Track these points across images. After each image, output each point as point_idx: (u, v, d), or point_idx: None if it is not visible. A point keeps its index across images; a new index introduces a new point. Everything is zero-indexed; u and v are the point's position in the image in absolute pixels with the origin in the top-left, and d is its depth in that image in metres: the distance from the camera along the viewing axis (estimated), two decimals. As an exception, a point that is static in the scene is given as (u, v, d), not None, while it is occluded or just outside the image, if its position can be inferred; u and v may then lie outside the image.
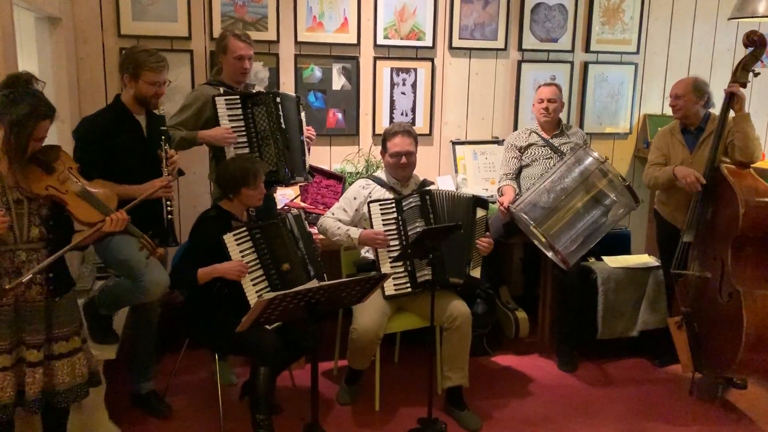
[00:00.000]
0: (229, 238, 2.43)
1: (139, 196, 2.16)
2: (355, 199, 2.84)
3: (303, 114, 2.98)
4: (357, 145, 3.71)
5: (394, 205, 2.75)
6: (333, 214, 2.84)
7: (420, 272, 2.71)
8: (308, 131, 3.00)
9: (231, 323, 2.19)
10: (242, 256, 2.44)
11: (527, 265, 3.87)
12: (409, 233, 2.71)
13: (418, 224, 2.73)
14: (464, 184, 3.73)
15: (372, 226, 2.73)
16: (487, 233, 2.83)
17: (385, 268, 2.67)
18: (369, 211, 2.73)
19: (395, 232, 2.73)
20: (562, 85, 3.61)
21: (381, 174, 2.95)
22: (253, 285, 2.44)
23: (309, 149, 3.01)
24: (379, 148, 2.97)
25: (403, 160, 2.80)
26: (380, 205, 2.74)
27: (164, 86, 2.44)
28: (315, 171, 3.40)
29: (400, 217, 2.74)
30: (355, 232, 2.71)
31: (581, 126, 3.96)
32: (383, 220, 2.73)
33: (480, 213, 2.83)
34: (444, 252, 2.72)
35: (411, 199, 2.77)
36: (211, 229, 2.46)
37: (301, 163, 2.88)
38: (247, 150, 2.74)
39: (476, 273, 2.80)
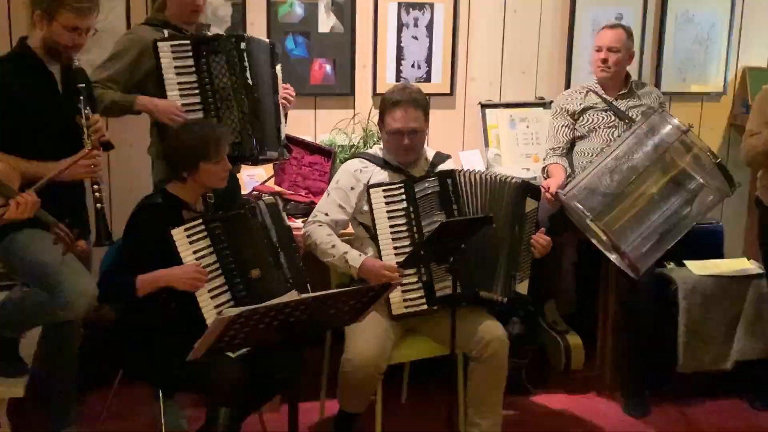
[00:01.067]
0: (179, 234, 2.43)
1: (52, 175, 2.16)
2: (352, 189, 2.82)
3: (278, 67, 2.96)
4: (351, 108, 3.68)
5: (403, 189, 2.74)
6: (327, 215, 2.81)
7: (440, 283, 2.71)
8: (285, 90, 2.98)
9: (180, 349, 2.16)
10: (197, 259, 2.44)
11: (581, 273, 3.86)
12: (425, 231, 2.70)
13: (438, 219, 2.71)
14: (497, 162, 3.71)
15: (373, 220, 2.72)
16: (541, 229, 2.83)
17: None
18: (369, 198, 2.72)
19: (405, 228, 2.72)
20: (632, 28, 3.58)
21: (379, 151, 2.92)
22: (212, 297, 2.44)
23: (286, 115, 2.99)
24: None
25: (406, 141, 2.76)
26: (384, 190, 2.73)
27: (85, 35, 2.43)
28: (294, 144, 3.38)
29: (411, 207, 2.72)
30: (355, 259, 2.69)
31: (657, 84, 3.93)
32: (389, 211, 2.72)
33: (530, 205, 2.81)
34: (474, 256, 2.71)
35: (427, 184, 2.76)
36: (155, 222, 2.46)
37: (274, 133, 2.87)
38: (201, 114, 2.73)
39: (524, 288, 2.79)
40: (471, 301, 2.74)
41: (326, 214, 2.82)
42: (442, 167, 2.90)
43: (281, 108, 2.94)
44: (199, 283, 2.42)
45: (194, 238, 2.45)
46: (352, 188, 2.83)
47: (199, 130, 2.52)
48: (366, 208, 2.76)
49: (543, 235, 2.79)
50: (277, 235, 2.63)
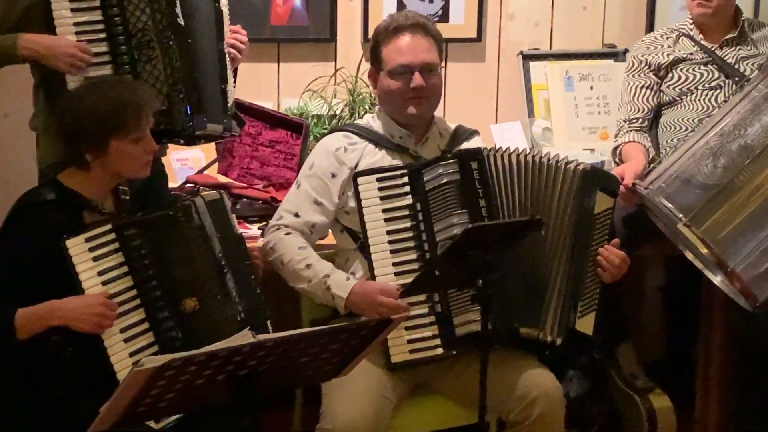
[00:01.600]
0: (77, 246, 2.44)
1: None
2: (334, 176, 2.84)
3: (225, 0, 2.97)
4: (332, 60, 3.72)
5: (407, 177, 2.75)
6: (297, 215, 2.83)
7: (462, 315, 2.72)
8: (234, 35, 2.99)
9: (76, 417, 2.17)
10: (103, 283, 2.45)
11: (672, 303, 3.88)
12: (438, 240, 2.72)
13: (457, 221, 2.73)
14: (546, 139, 3.73)
15: (363, 223, 2.73)
16: (613, 241, 2.84)
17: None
18: (356, 190, 2.73)
19: (410, 234, 2.74)
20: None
21: (372, 121, 2.94)
22: (125, 340, 2.46)
23: (235, 71, 3.00)
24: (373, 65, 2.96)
25: (417, 80, 2.78)
26: (379, 179, 2.74)
27: None
28: (246, 113, 3.38)
29: (418, 204, 2.74)
30: (341, 285, 2.70)
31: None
32: (386, 210, 2.73)
33: (602, 204, 2.82)
34: (513, 277, 2.73)
35: (441, 169, 2.76)
36: (44, 228, 2.47)
37: (217, 96, 2.88)
38: (109, 70, 2.73)
39: (587, 324, 2.80)
40: (508, 341, 2.75)
41: (296, 215, 2.83)
42: (465, 147, 2.91)
43: (229, 61, 2.94)
44: (106, 320, 2.40)
45: (100, 251, 2.45)
46: (334, 175, 2.84)
47: (110, 91, 2.52)
48: (353, 204, 2.77)
49: (616, 249, 2.79)
50: (222, 247, 2.64)
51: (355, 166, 2.83)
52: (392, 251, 2.73)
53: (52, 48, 2.69)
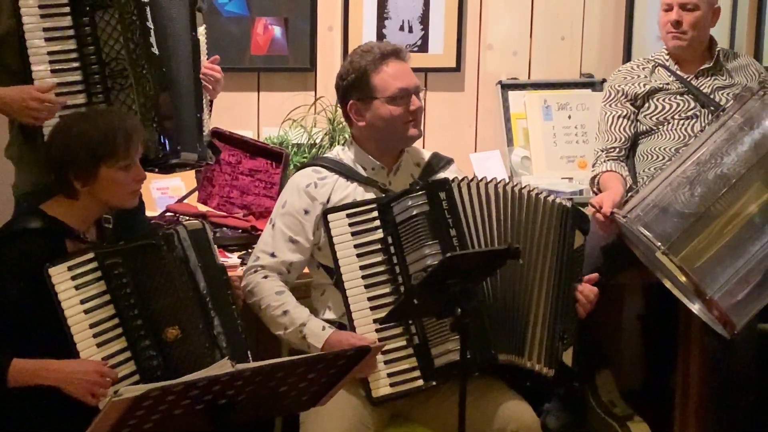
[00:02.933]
0: (59, 273, 2.43)
1: None
2: (306, 213, 2.83)
3: (202, 29, 2.98)
4: (312, 90, 3.72)
5: (376, 212, 2.75)
6: (273, 256, 2.81)
7: (440, 346, 2.71)
8: (209, 67, 2.98)
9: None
10: (86, 311, 2.45)
11: (650, 331, 3.88)
12: (412, 272, 2.72)
13: (430, 252, 2.72)
14: (525, 168, 3.74)
15: (336, 259, 2.73)
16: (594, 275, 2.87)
17: (371, 335, 2.69)
18: (327, 227, 2.73)
19: (382, 268, 2.74)
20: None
21: (342, 153, 2.93)
22: (106, 369, 2.48)
23: (211, 103, 3.00)
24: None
25: (416, 102, 2.81)
26: (349, 214, 2.74)
27: None
28: (226, 142, 3.40)
29: (389, 238, 2.74)
30: (317, 335, 2.68)
31: (758, 55, 3.97)
32: (358, 245, 2.73)
33: (578, 240, 2.86)
34: (494, 306, 2.73)
35: (410, 201, 2.75)
36: (26, 256, 2.46)
37: (193, 125, 2.87)
38: (82, 99, 2.72)
39: (567, 358, 2.82)
40: (486, 369, 2.74)
41: (273, 255, 2.81)
42: (439, 177, 2.90)
43: (205, 90, 2.93)
44: (99, 389, 2.38)
45: (82, 280, 2.45)
46: (307, 212, 2.82)
47: (100, 118, 2.53)
48: (325, 240, 2.76)
49: (590, 285, 2.83)
50: (204, 276, 2.64)
51: (327, 201, 2.82)
52: (366, 286, 2.73)
53: (7, 99, 2.64)
